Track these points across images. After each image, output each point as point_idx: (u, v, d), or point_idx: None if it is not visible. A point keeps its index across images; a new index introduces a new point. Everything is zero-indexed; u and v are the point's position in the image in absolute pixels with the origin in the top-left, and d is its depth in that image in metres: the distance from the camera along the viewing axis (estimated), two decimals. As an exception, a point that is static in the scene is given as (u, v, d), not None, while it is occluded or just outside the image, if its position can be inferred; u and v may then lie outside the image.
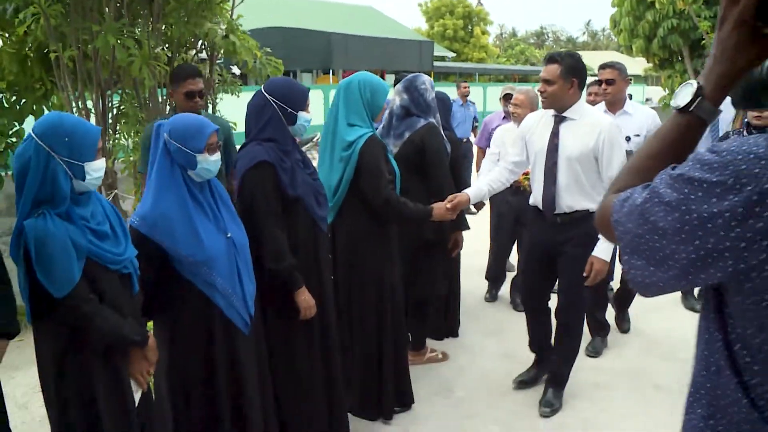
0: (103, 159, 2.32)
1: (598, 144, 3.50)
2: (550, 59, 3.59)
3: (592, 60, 52.26)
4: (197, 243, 2.49)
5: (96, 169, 2.25)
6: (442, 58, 32.07)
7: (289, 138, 3.02)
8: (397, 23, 33.67)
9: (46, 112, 4.75)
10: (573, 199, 3.60)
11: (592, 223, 3.42)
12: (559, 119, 3.62)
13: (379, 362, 3.60)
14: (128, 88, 4.68)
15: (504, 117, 6.03)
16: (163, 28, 4.50)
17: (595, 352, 4.69)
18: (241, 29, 4.61)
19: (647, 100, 23.45)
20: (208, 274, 2.52)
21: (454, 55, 36.08)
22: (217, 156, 2.59)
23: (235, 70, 5.76)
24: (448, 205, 3.62)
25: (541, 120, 3.76)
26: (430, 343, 4.67)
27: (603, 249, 3.53)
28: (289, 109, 2.99)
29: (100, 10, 4.28)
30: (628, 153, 4.06)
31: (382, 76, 25.99)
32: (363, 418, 3.69)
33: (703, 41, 15.27)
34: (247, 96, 5.34)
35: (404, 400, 3.81)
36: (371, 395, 3.65)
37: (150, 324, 2.68)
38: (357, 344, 3.61)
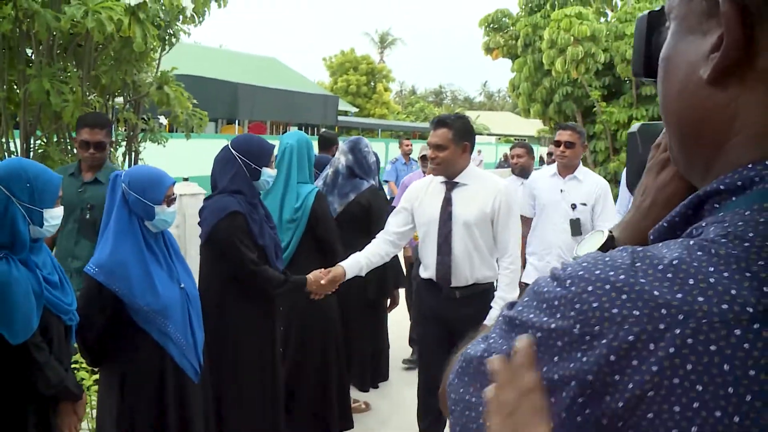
0: (62, 207, 2.32)
1: (495, 208, 3.36)
2: (440, 123, 3.39)
3: (489, 120, 54.52)
4: (153, 292, 2.50)
5: (54, 216, 2.25)
6: (345, 113, 32.60)
7: (255, 192, 3.13)
8: (301, 76, 34.01)
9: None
10: (472, 268, 3.40)
11: (490, 296, 3.29)
12: (451, 185, 3.43)
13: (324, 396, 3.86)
14: (50, 132, 4.61)
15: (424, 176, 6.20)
16: (93, 74, 4.47)
17: None
18: (174, 81, 4.63)
19: (541, 159, 24.65)
20: (162, 324, 2.54)
21: (357, 110, 36.74)
22: (174, 207, 2.63)
23: (162, 119, 5.74)
24: (323, 281, 3.32)
25: (428, 187, 3.54)
26: (354, 393, 4.75)
27: (495, 317, 3.45)
28: (254, 165, 3.09)
29: (29, 55, 4.24)
30: (573, 222, 4.19)
31: (286, 129, 26.17)
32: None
33: (594, 108, 16.36)
34: (173, 144, 5.36)
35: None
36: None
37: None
38: (304, 382, 3.79)
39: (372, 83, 40.74)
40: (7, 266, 2.08)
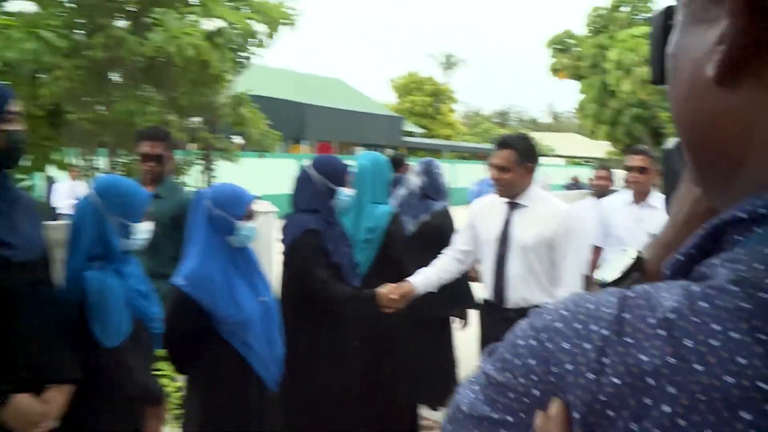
0: (149, 222, 2.49)
1: (555, 233, 3.23)
2: (503, 144, 3.29)
3: (554, 141, 53.99)
4: (236, 305, 2.64)
5: (142, 230, 2.42)
6: (410, 134, 32.86)
7: (331, 210, 3.23)
8: (366, 97, 34.50)
9: (47, 167, 4.91)
10: (526, 291, 3.31)
11: None
12: (512, 206, 3.36)
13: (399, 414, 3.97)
14: (132, 151, 4.89)
15: None
16: (172, 96, 4.74)
17: None
18: (249, 102, 4.86)
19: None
20: (244, 335, 2.67)
21: (422, 130, 37.00)
22: (254, 223, 2.78)
23: (236, 139, 6.00)
24: (394, 295, 3.31)
25: (492, 206, 3.47)
26: (424, 412, 4.79)
27: None
28: (331, 185, 3.22)
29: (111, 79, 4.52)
30: None
31: (351, 150, 26.55)
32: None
33: (663, 129, 16.13)
34: (245, 163, 5.59)
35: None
36: None
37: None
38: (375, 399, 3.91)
39: (437, 104, 40.98)
40: (103, 275, 2.25)
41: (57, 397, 2.10)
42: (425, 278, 3.45)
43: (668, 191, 0.89)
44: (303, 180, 3.29)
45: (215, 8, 4.16)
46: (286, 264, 3.19)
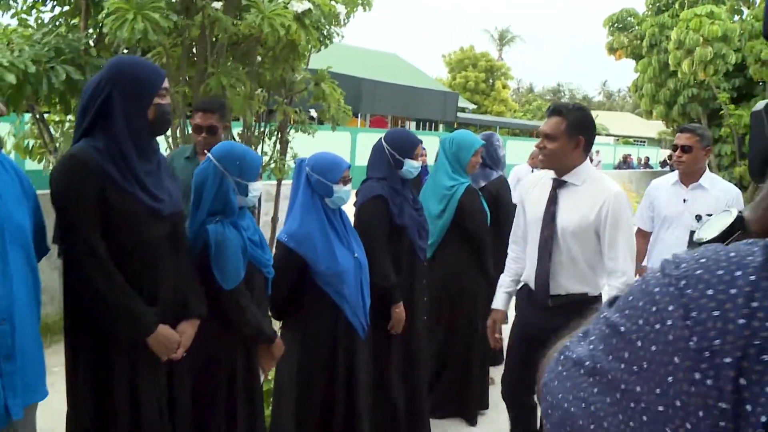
0: (261, 181, 2.86)
1: (600, 217, 2.98)
2: (554, 111, 3.06)
3: (607, 120, 53.28)
4: (333, 258, 3.01)
5: (256, 188, 2.78)
6: (463, 110, 32.90)
7: (397, 178, 3.57)
8: (420, 72, 34.60)
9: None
10: (567, 279, 3.09)
11: (590, 310, 3.30)
12: (558, 183, 3.11)
13: (467, 371, 4.23)
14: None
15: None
16: (258, 72, 5.10)
17: None
18: (329, 79, 5.20)
19: (664, 162, 23.94)
20: (339, 286, 3.04)
21: (475, 106, 36.96)
22: (348, 187, 3.13)
23: (312, 112, 6.35)
24: (497, 335, 3.44)
25: (538, 183, 3.26)
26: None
27: None
28: (398, 156, 3.56)
29: (205, 55, 4.90)
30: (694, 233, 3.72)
31: (404, 124, 26.77)
32: (442, 418, 4.23)
33: (722, 111, 15.96)
34: (321, 135, 5.95)
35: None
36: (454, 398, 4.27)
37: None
38: (450, 362, 4.19)
39: (490, 80, 40.85)
40: (222, 227, 2.63)
41: (188, 330, 2.49)
42: (507, 295, 3.44)
43: (756, 155, 0.86)
44: (376, 151, 3.66)
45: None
46: (355, 225, 3.52)
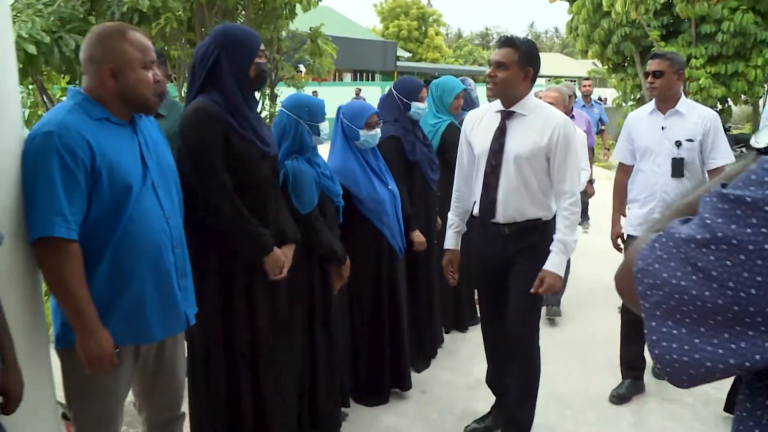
0: (327, 122, 3.31)
1: (552, 142, 3.10)
2: (506, 42, 3.12)
3: (537, 62, 54.27)
4: (372, 189, 3.53)
5: (324, 128, 3.24)
6: (398, 58, 33.21)
7: (407, 120, 4.09)
8: (353, 23, 34.62)
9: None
10: (520, 204, 3.17)
11: (542, 234, 3.13)
12: (507, 114, 3.19)
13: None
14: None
15: None
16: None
17: (619, 398, 3.97)
18: (323, 36, 5.61)
19: (599, 99, 24.81)
20: (381, 212, 3.56)
21: (410, 55, 37.28)
22: (375, 131, 3.61)
23: (301, 68, 6.75)
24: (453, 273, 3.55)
25: (484, 116, 3.32)
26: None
27: (556, 261, 3.11)
28: (405, 99, 4.07)
29: (203, 20, 5.24)
30: (676, 161, 3.82)
31: (342, 76, 26.94)
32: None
33: (653, 48, 16.80)
34: (308, 89, 6.36)
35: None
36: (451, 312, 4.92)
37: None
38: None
39: (423, 28, 41.12)
40: (298, 163, 3.10)
41: (288, 253, 2.98)
42: (457, 233, 3.53)
43: None
44: (387, 97, 4.22)
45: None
46: None
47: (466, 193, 3.45)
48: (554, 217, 3.22)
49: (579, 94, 8.44)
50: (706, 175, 3.85)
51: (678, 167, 3.82)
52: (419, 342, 4.29)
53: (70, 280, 2.02)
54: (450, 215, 3.54)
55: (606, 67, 18.80)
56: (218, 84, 2.72)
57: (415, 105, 4.13)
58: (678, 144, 3.83)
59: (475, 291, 4.61)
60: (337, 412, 3.52)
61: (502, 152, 3.16)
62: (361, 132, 3.58)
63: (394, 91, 4.19)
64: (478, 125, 3.31)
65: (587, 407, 3.87)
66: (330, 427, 3.43)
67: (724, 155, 3.80)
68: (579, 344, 4.82)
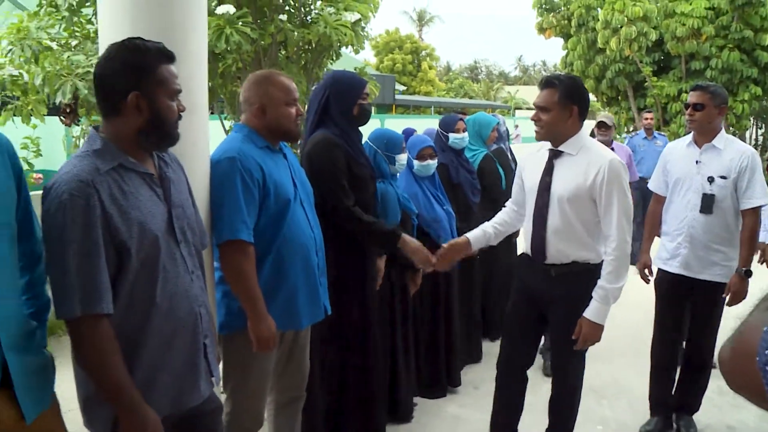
0: (405, 154, 3.87)
1: (596, 183, 3.03)
2: (547, 83, 3.11)
3: (525, 94, 55.48)
4: (432, 209, 4.12)
5: (401, 159, 3.79)
6: (395, 92, 34.01)
7: (450, 149, 4.71)
8: (350, 57, 35.40)
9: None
10: (566, 246, 3.14)
11: (590, 279, 3.07)
12: (555, 154, 3.18)
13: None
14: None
15: None
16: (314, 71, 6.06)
17: None
18: (369, 75, 6.21)
19: (591, 133, 25.53)
20: (438, 228, 4.13)
21: (405, 88, 38.14)
22: (427, 162, 4.17)
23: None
24: (433, 258, 3.47)
25: (536, 154, 3.33)
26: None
27: (596, 310, 3.05)
28: (444, 132, 4.75)
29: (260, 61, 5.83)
30: (706, 197, 3.74)
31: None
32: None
33: (646, 83, 17.62)
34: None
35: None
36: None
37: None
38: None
39: (416, 61, 42.11)
40: (384, 185, 3.66)
41: (382, 262, 3.54)
42: (482, 234, 3.48)
43: None
44: (430, 132, 4.82)
45: (353, 4, 5.52)
46: None
47: (511, 213, 3.54)
48: (601, 262, 3.13)
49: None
50: (739, 214, 3.74)
51: (707, 203, 3.74)
52: (467, 346, 4.86)
53: (249, 275, 2.57)
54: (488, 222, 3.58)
55: (600, 101, 19.64)
56: (330, 120, 3.30)
57: (452, 136, 4.74)
58: (711, 180, 3.75)
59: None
60: (411, 401, 4.06)
61: (549, 192, 3.15)
62: (415, 162, 4.17)
63: (438, 128, 4.86)
64: (531, 161, 3.34)
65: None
66: (405, 415, 3.96)
67: (760, 195, 3.68)
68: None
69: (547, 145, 3.24)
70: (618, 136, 19.56)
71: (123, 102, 1.93)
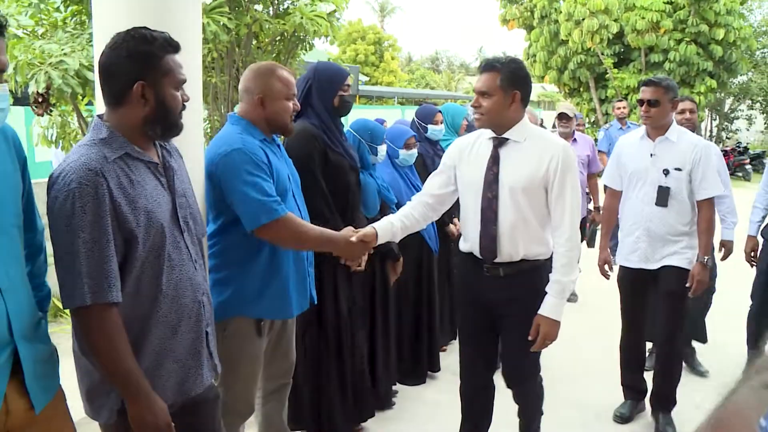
0: (385, 144, 3.94)
1: (549, 171, 2.85)
2: (488, 66, 2.88)
3: (487, 86, 55.75)
4: (409, 197, 4.18)
5: (382, 150, 3.86)
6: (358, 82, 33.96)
7: (426, 140, 4.79)
8: (315, 48, 35.21)
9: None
10: (520, 242, 2.91)
11: (540, 278, 2.88)
12: (499, 142, 2.93)
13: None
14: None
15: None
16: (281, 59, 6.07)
17: (622, 418, 4.09)
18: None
19: (553, 126, 25.90)
20: None
21: (367, 79, 38.11)
22: (412, 151, 4.27)
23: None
24: (353, 238, 2.92)
25: (474, 144, 3.05)
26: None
27: (552, 306, 2.87)
28: (423, 123, 4.81)
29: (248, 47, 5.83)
30: (661, 190, 3.72)
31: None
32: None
33: (607, 75, 17.96)
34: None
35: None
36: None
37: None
38: None
39: (378, 52, 42.08)
40: (364, 176, 3.71)
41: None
42: (387, 224, 3.08)
43: None
44: (411, 123, 4.89)
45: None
46: None
47: (428, 207, 3.18)
48: (551, 255, 2.97)
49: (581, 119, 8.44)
50: (695, 206, 3.75)
51: (663, 196, 3.74)
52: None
53: (306, 235, 2.70)
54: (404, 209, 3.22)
55: (562, 92, 19.97)
56: (312, 110, 3.33)
57: (431, 128, 4.82)
58: (666, 172, 3.74)
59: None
60: (391, 388, 4.13)
61: (497, 183, 2.90)
62: (401, 152, 4.24)
63: (415, 118, 4.89)
64: (468, 153, 3.05)
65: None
66: (386, 402, 4.04)
67: (714, 186, 3.70)
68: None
69: (485, 134, 3.01)
70: (589, 127, 19.92)
71: (129, 91, 1.94)
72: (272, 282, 2.73)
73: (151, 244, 1.97)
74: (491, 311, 3.06)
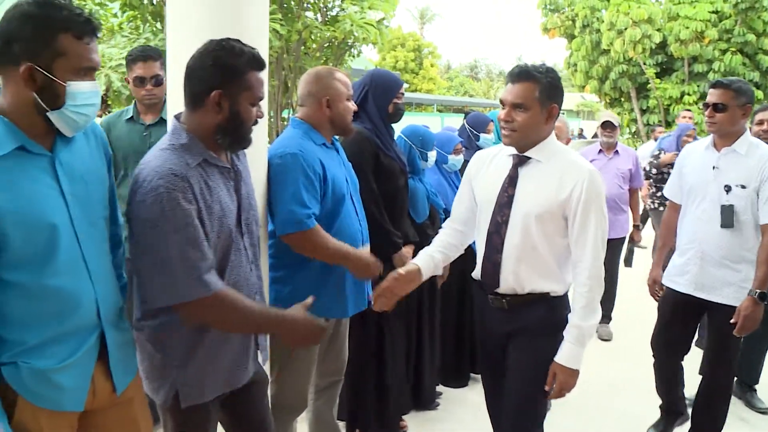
0: (435, 150, 4.03)
1: (572, 198, 2.47)
2: (523, 75, 2.47)
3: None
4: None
5: (432, 156, 3.94)
6: (397, 88, 34.09)
7: (476, 147, 4.83)
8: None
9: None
10: (524, 273, 2.56)
11: (551, 307, 2.54)
12: (519, 161, 2.58)
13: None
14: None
15: (600, 151, 5.92)
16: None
17: None
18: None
19: (594, 135, 25.79)
20: None
21: (407, 86, 38.29)
22: (460, 157, 4.34)
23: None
24: (396, 275, 2.70)
25: (494, 158, 2.74)
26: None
27: (570, 353, 2.48)
28: (475, 131, 4.83)
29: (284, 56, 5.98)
30: (725, 209, 3.30)
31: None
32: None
33: (649, 85, 17.81)
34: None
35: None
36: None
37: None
38: None
39: (418, 59, 42.23)
40: (413, 182, 3.79)
41: (410, 252, 3.65)
42: (429, 258, 2.80)
43: None
44: (461, 130, 4.96)
45: (377, 2, 5.69)
46: None
47: (453, 233, 2.89)
48: (566, 293, 2.65)
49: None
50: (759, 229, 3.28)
51: (728, 216, 3.29)
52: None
53: (327, 247, 2.72)
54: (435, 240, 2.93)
55: (603, 102, 19.84)
56: (366, 115, 3.44)
57: (483, 136, 4.87)
58: (728, 189, 3.32)
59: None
60: (435, 390, 4.21)
61: (510, 207, 2.56)
62: (450, 157, 4.32)
63: (466, 125, 4.95)
64: (487, 167, 2.74)
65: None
66: (429, 403, 4.12)
67: None
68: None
69: (506, 149, 2.65)
70: (629, 137, 19.77)
71: (206, 97, 2.02)
72: (328, 281, 2.83)
73: (219, 247, 2.06)
74: (502, 344, 2.71)
